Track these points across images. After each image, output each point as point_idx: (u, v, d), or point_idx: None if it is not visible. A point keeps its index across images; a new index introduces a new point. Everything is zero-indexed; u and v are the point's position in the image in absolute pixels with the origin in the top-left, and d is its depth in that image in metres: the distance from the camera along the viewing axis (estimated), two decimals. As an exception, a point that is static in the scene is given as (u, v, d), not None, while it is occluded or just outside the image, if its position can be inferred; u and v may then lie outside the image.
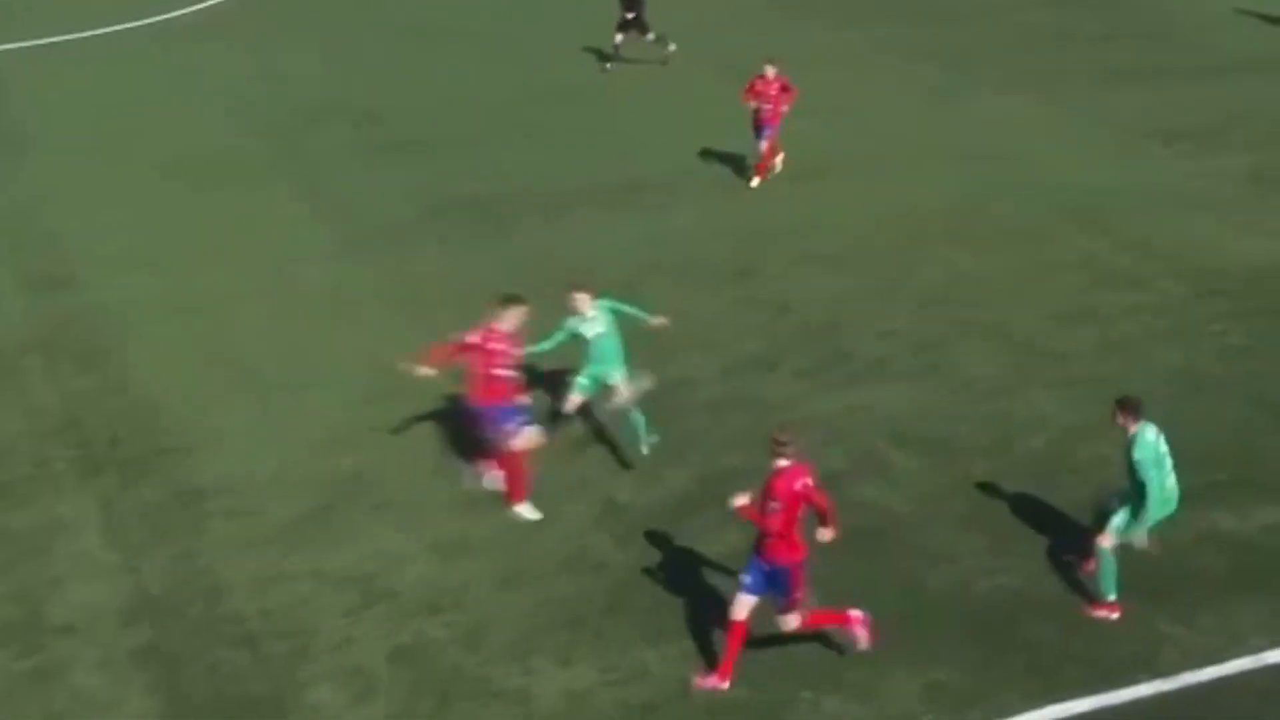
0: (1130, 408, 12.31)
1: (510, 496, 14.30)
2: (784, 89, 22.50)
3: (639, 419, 14.96)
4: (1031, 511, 14.09)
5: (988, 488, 14.48)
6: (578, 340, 14.75)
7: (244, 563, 13.66)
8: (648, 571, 13.31)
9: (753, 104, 22.55)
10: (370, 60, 31.01)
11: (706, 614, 12.61)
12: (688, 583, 13.13)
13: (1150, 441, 12.24)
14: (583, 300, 14.70)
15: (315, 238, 21.41)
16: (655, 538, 13.80)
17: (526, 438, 14.13)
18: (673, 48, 29.44)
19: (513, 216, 21.90)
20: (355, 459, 15.33)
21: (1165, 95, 26.93)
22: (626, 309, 15.01)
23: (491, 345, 13.83)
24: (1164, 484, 12.30)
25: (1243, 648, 12.18)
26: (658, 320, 15.15)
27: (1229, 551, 13.50)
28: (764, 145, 22.63)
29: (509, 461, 14.20)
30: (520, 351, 14.13)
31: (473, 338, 13.87)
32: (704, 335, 17.54)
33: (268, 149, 25.38)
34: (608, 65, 29.36)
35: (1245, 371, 16.69)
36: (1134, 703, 11.69)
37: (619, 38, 29.25)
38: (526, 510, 14.22)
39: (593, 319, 14.69)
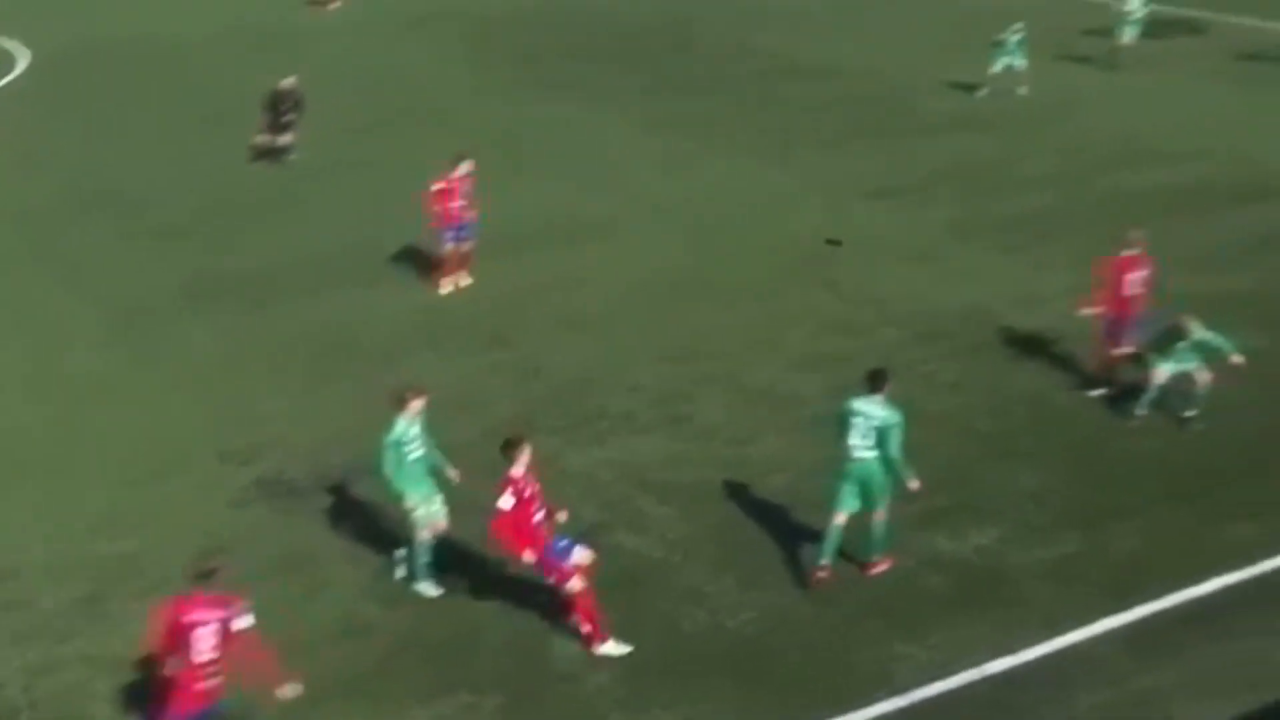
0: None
1: (591, 639, 12.70)
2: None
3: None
4: (775, 547, 14.37)
5: (734, 527, 14.73)
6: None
7: (15, 655, 13.04)
8: (417, 632, 13.15)
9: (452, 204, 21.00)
10: (133, 141, 30.16)
11: (480, 666, 12.51)
12: (459, 639, 13.01)
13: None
14: (416, 406, 13.51)
15: (79, 323, 20.66)
16: (423, 599, 13.64)
17: (580, 561, 12.66)
18: (293, 155, 28.09)
19: (277, 292, 21.50)
20: (127, 542, 14.79)
21: (879, 156, 27.97)
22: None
23: (527, 493, 12.53)
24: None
25: (968, 661, 12.59)
26: (453, 471, 13.91)
27: (951, 572, 13.98)
28: (457, 246, 21.14)
29: (581, 602, 12.62)
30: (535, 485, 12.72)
31: (511, 500, 12.34)
32: (463, 400, 17.46)
33: (26, 237, 24.44)
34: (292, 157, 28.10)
35: (956, 405, 17.34)
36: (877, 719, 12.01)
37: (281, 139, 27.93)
38: (613, 648, 12.67)
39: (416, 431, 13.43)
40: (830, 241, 22.82)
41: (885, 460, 13.54)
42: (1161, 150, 27.91)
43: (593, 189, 26.12)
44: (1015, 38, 32.76)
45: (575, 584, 12.55)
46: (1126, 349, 17.41)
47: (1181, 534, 14.57)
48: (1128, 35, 34.34)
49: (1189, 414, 16.84)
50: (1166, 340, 16.85)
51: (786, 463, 15.98)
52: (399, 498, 13.55)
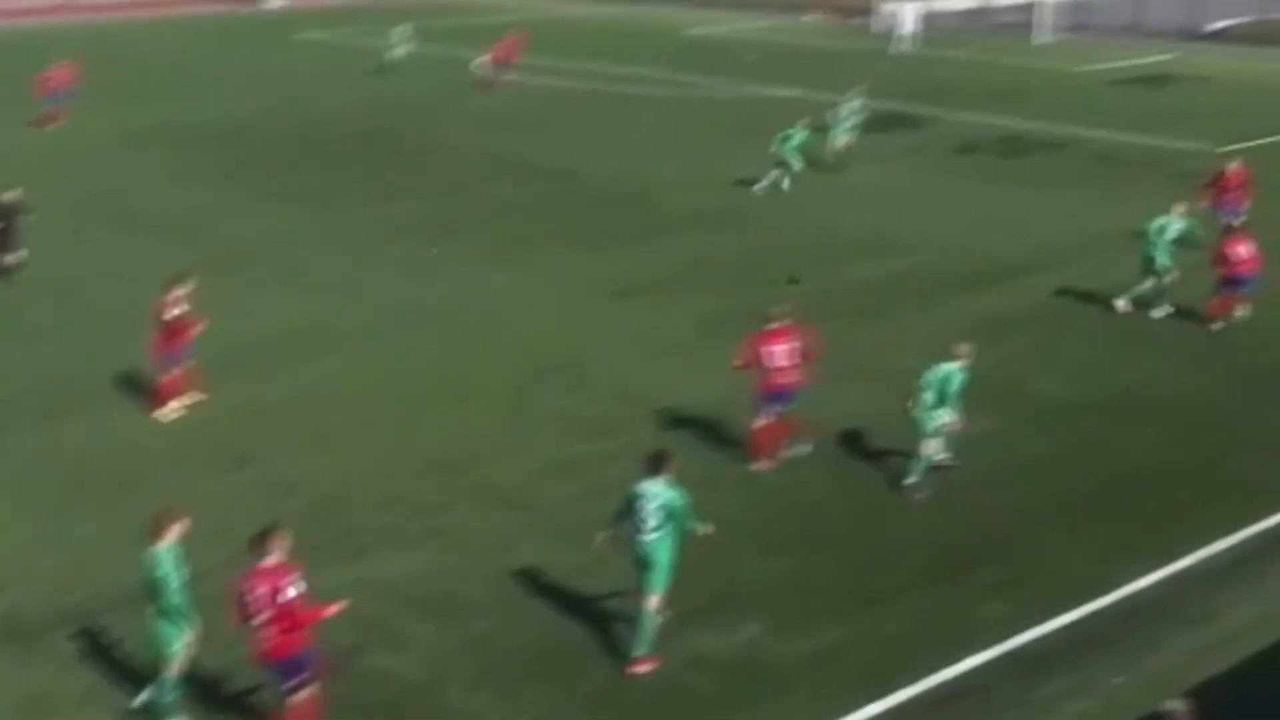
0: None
1: None
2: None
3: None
4: (536, 657, 14.24)
5: (482, 642, 14.54)
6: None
7: None
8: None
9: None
10: None
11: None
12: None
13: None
14: (175, 531, 12.87)
15: None
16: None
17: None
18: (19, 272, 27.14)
19: (7, 419, 20.48)
20: None
21: (624, 255, 28.43)
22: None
23: (281, 584, 12.15)
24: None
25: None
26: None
27: (716, 669, 14.06)
28: (182, 366, 20.44)
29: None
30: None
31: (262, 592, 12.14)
32: (210, 524, 16.84)
33: None
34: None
35: (708, 501, 17.46)
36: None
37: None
38: None
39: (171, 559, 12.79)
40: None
41: (669, 543, 13.79)
42: (895, 241, 29.06)
43: (333, 298, 25.79)
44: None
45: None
46: (767, 419, 18.34)
47: (937, 616, 15.00)
48: (842, 139, 35.64)
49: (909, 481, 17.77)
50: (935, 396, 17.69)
51: (544, 571, 15.88)
52: (183, 627, 12.91)
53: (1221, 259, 23.84)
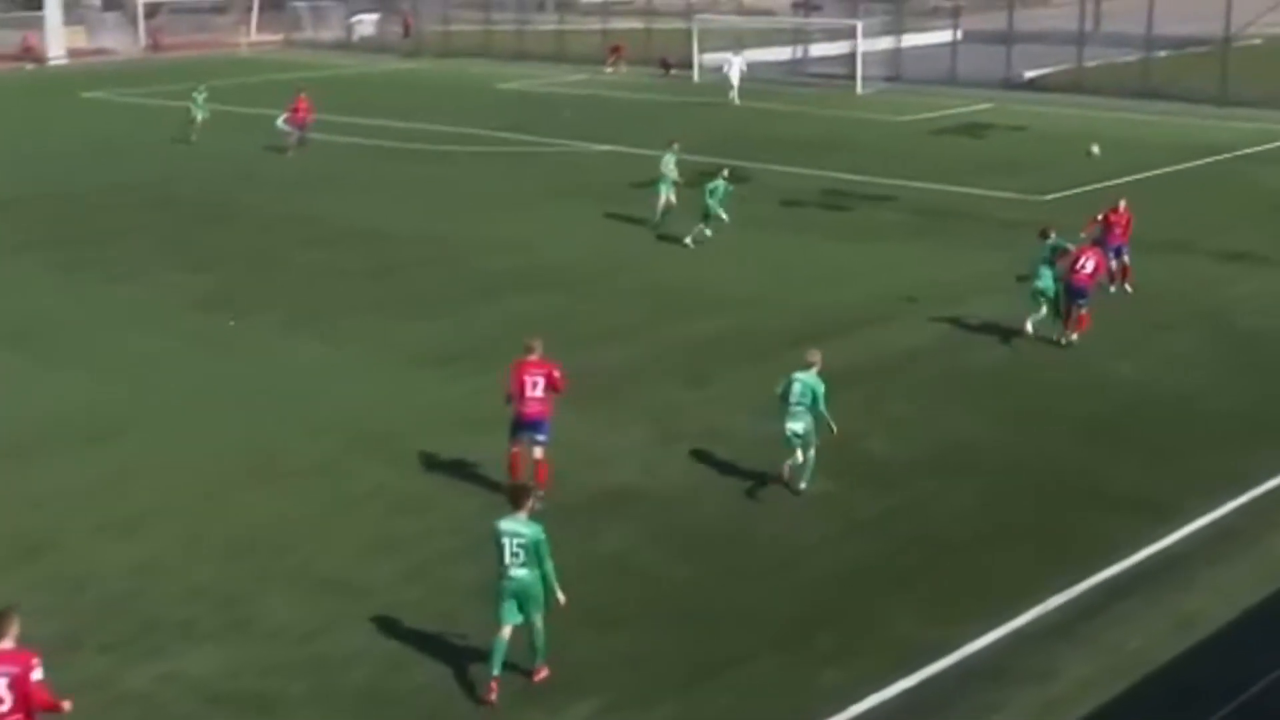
0: None
1: None
2: None
3: None
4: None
5: (313, 735, 14.31)
6: None
7: None
8: None
9: None
10: None
11: None
12: None
13: None
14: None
15: None
16: None
17: None
18: None
19: None
20: None
21: (438, 321, 28.37)
22: None
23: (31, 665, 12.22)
24: None
25: None
26: None
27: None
28: None
29: None
30: None
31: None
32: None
33: None
34: None
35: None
36: None
37: None
38: None
39: None
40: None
41: (539, 576, 14.65)
42: (720, 298, 29.49)
43: (128, 375, 25.21)
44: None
45: None
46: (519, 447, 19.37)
47: (775, 686, 15.15)
48: (664, 193, 36.08)
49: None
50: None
51: (365, 657, 15.68)
52: None
53: (1070, 269, 25.84)
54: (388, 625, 16.28)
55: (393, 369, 25.71)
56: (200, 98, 51.72)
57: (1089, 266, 26.01)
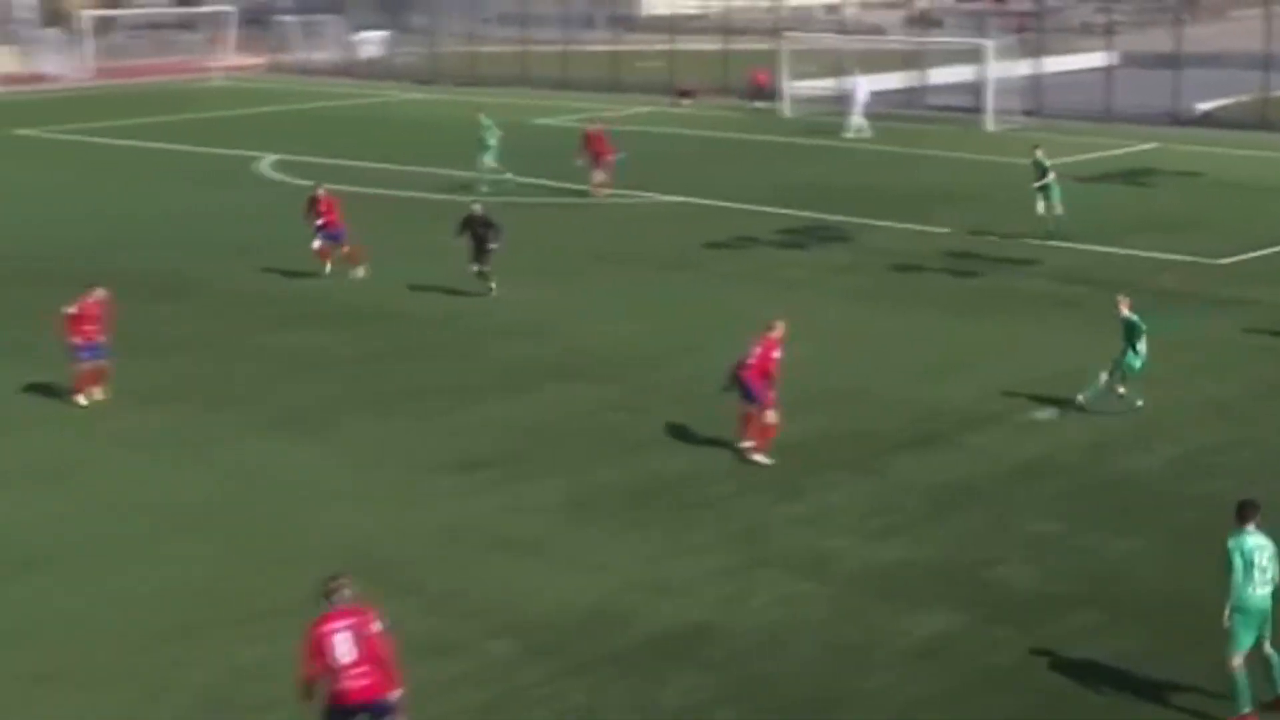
0: None
1: None
2: None
3: None
4: None
5: None
6: None
7: None
8: None
9: None
10: None
11: None
12: None
13: None
14: None
15: None
16: None
17: None
18: None
19: None
20: None
21: (457, 418, 28.77)
22: None
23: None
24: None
25: None
26: None
27: None
28: None
29: None
30: None
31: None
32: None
33: None
34: None
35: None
36: None
37: None
38: None
39: None
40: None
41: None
42: (816, 390, 29.52)
43: (62, 492, 25.52)
44: None
45: None
46: None
47: None
48: None
49: None
50: None
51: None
52: None
53: None
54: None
55: (401, 477, 26.07)
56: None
57: None
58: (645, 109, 71.45)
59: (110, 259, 41.57)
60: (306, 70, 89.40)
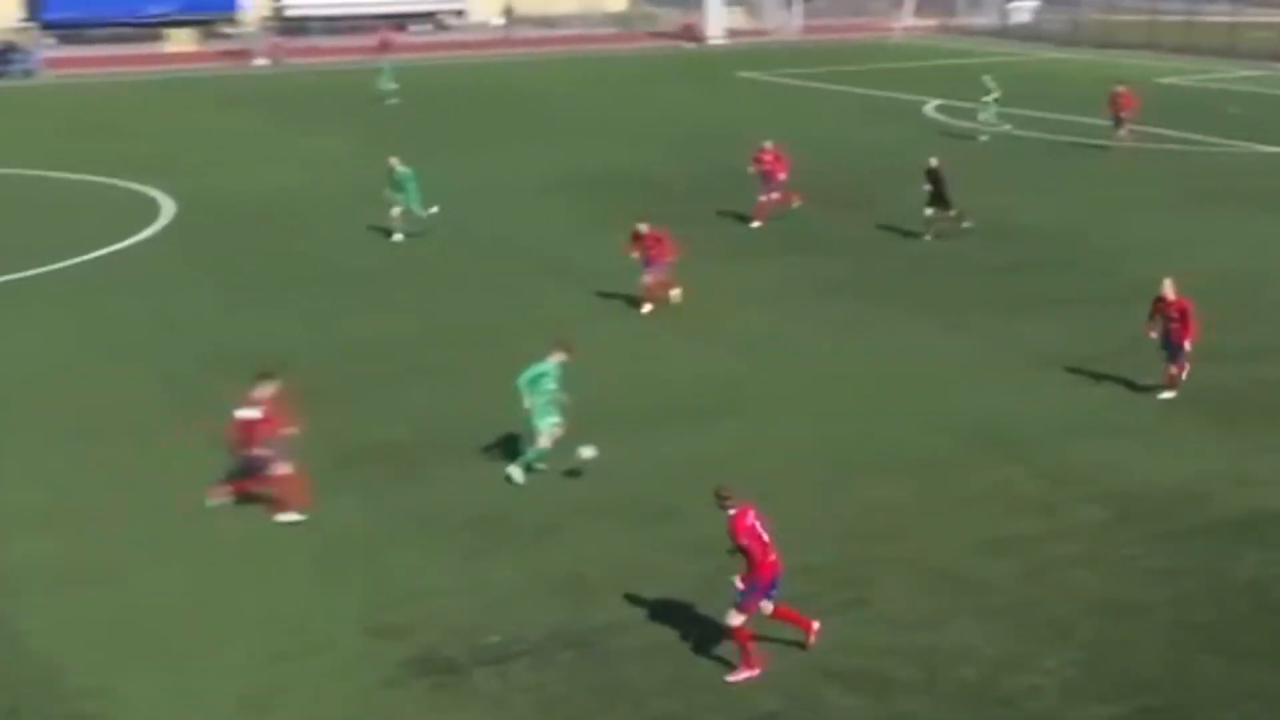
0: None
1: None
2: None
3: None
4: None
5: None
6: None
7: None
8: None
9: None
10: (270, 303, 31.39)
11: None
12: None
13: None
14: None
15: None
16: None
17: None
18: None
19: (427, 462, 22.19)
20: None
21: (1071, 323, 28.35)
22: None
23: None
24: None
25: None
26: None
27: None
28: None
29: None
30: None
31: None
32: (625, 580, 17.97)
33: (168, 398, 25.48)
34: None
35: (1168, 595, 17.43)
36: None
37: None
38: None
39: None
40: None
41: None
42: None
43: (757, 357, 26.67)
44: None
45: None
46: None
47: None
48: None
49: None
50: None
51: (976, 654, 16.23)
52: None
53: None
54: (1002, 624, 16.71)
55: (1016, 367, 26.01)
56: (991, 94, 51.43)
57: None
58: (1255, 73, 67.98)
59: (827, 177, 42.60)
60: (968, 32, 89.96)
